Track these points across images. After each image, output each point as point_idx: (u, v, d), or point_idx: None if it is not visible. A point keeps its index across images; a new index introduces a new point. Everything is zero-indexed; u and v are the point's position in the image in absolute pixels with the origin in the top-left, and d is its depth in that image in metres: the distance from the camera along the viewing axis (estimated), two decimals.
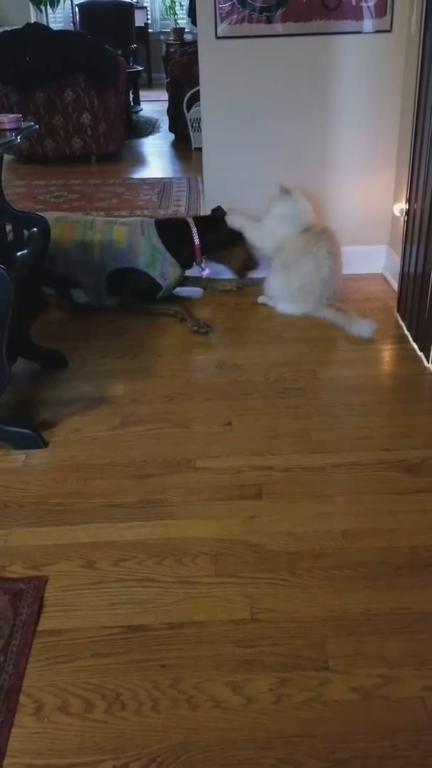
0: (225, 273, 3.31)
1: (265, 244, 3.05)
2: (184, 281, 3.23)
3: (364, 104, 3.11)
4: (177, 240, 3.07)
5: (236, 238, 3.14)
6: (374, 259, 3.39)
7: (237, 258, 3.23)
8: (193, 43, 6.23)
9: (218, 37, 2.99)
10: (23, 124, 2.33)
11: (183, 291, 3.24)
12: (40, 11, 8.90)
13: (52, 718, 1.36)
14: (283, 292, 2.99)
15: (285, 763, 1.26)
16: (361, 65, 3.04)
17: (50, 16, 9.06)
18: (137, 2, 9.35)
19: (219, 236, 3.13)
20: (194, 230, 3.09)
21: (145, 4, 9.79)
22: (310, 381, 2.52)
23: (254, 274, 3.31)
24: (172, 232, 3.08)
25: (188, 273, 3.26)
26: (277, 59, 3.03)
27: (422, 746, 1.28)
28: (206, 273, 3.18)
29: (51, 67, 5.55)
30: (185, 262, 3.12)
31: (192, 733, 1.32)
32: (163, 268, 3.03)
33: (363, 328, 2.78)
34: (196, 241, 3.08)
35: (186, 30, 8.80)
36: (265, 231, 3.02)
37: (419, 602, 1.58)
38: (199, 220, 3.16)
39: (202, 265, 3.15)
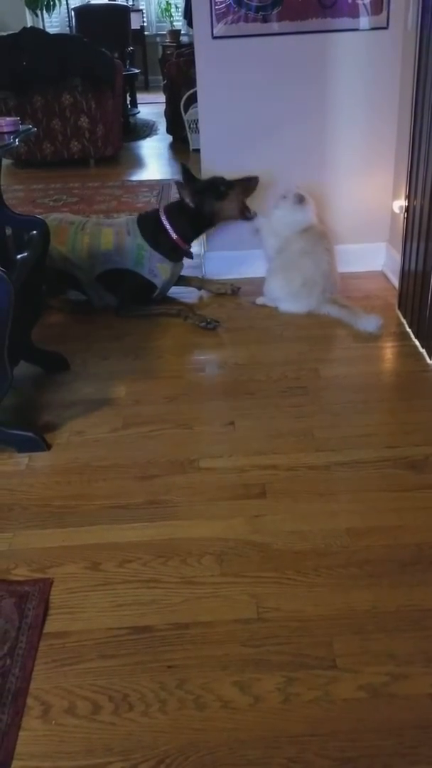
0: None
1: (270, 244, 3.05)
2: (179, 282, 3.20)
3: (361, 101, 3.11)
4: (155, 234, 2.99)
5: (214, 197, 2.96)
6: (374, 256, 3.38)
7: (230, 210, 3.03)
8: (190, 45, 6.24)
9: (214, 37, 2.99)
10: (21, 128, 2.33)
11: (179, 293, 3.23)
12: (37, 16, 8.92)
13: (60, 720, 1.35)
14: (285, 291, 2.98)
15: (294, 763, 1.25)
16: (358, 62, 3.04)
17: (46, 20, 9.09)
18: (133, 5, 9.38)
19: (188, 216, 2.97)
20: (165, 221, 2.98)
21: (141, 7, 9.81)
22: (312, 379, 2.51)
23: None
24: (149, 226, 3.00)
25: (183, 272, 3.25)
26: (274, 58, 3.03)
27: (431, 743, 1.27)
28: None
29: (48, 71, 5.56)
30: (173, 256, 3.03)
31: (200, 734, 1.31)
32: (151, 265, 2.99)
33: (369, 323, 2.78)
34: (171, 232, 2.97)
35: (182, 32, 8.82)
36: (272, 231, 3.02)
37: (426, 599, 1.57)
38: (169, 208, 3.04)
39: (251, 214, 3.01)
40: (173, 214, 3.01)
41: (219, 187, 2.98)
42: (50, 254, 2.92)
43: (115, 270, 3.02)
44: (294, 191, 2.97)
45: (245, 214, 3.06)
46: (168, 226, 2.98)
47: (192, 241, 3.09)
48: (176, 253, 3.04)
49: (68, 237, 3.03)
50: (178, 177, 3.05)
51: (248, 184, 3.02)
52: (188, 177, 3.01)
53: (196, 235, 3.10)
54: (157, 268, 3.00)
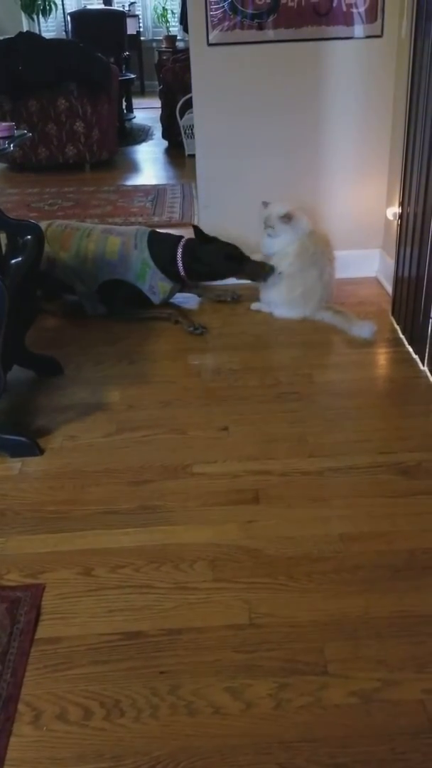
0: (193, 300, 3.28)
1: (284, 264, 2.96)
2: (180, 290, 3.21)
3: (356, 109, 3.12)
4: (164, 258, 2.99)
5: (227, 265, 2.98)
6: (368, 262, 3.39)
7: (249, 273, 3.03)
8: (186, 51, 6.25)
9: (210, 44, 3.00)
10: (16, 132, 2.33)
11: (179, 299, 3.23)
12: (33, 20, 8.93)
13: (51, 726, 1.35)
14: (284, 298, 2.98)
15: None
16: (352, 70, 3.06)
17: (42, 25, 9.08)
18: (129, 10, 9.39)
19: (200, 267, 2.98)
20: (180, 257, 2.96)
21: (137, 12, 9.82)
22: (306, 385, 2.52)
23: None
24: (161, 249, 3.00)
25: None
26: (269, 65, 3.04)
27: (423, 749, 1.28)
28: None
29: (44, 76, 5.56)
30: (176, 279, 3.05)
31: (191, 740, 1.31)
32: (153, 282, 3.00)
33: (363, 329, 2.79)
34: (181, 269, 2.97)
35: (178, 38, 8.84)
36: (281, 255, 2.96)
37: (418, 605, 1.58)
38: (188, 248, 2.98)
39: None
40: (189, 254, 2.98)
41: (233, 265, 2.97)
42: (51, 261, 2.93)
43: (115, 280, 3.02)
44: (275, 215, 2.87)
45: (258, 280, 3.03)
46: (180, 263, 2.97)
47: (199, 282, 3.15)
48: (179, 279, 3.06)
49: (72, 242, 3.02)
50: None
51: (262, 271, 2.95)
52: (200, 236, 2.98)
53: (205, 280, 3.14)
54: (157, 285, 3.02)
